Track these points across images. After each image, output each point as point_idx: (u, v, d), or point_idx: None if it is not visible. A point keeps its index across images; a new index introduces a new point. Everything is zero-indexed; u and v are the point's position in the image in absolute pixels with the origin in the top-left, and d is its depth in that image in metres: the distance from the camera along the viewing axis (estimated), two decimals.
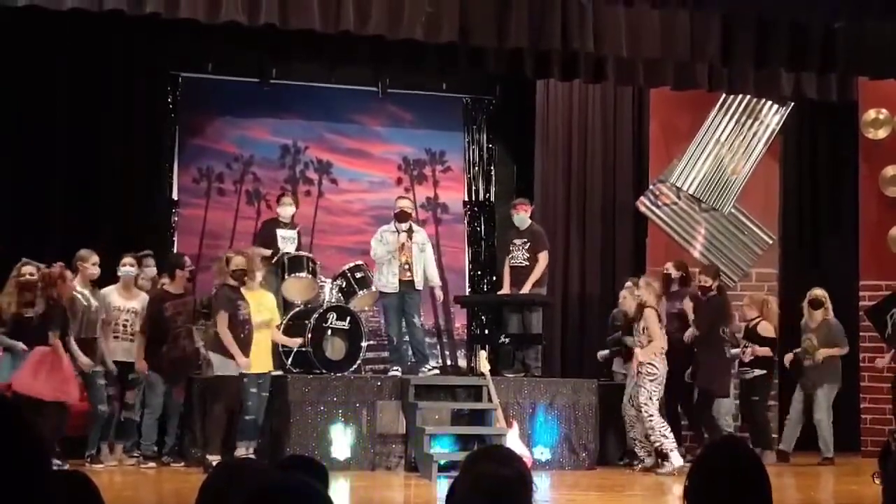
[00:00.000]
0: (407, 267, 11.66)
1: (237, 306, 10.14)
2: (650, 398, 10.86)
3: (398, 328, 11.75)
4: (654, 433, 10.86)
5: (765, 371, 12.03)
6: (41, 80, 12.49)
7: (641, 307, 11.00)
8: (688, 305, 11.67)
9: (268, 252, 11.53)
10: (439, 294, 12.41)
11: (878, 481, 3.27)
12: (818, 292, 12.20)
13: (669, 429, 10.93)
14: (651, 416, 10.84)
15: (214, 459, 9.50)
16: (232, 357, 10.11)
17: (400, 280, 11.63)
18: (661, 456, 10.92)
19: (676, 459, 10.78)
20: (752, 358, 11.94)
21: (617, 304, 12.04)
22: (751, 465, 2.79)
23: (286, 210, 12.08)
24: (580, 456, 11.34)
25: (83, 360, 10.11)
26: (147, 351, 10.84)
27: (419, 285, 11.74)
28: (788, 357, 12.26)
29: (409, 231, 11.76)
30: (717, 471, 2.76)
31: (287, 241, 11.86)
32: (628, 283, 11.60)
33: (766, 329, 12.12)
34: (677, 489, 2.62)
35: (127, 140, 13.10)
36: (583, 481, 10.50)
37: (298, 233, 12.16)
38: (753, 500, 2.74)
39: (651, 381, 10.89)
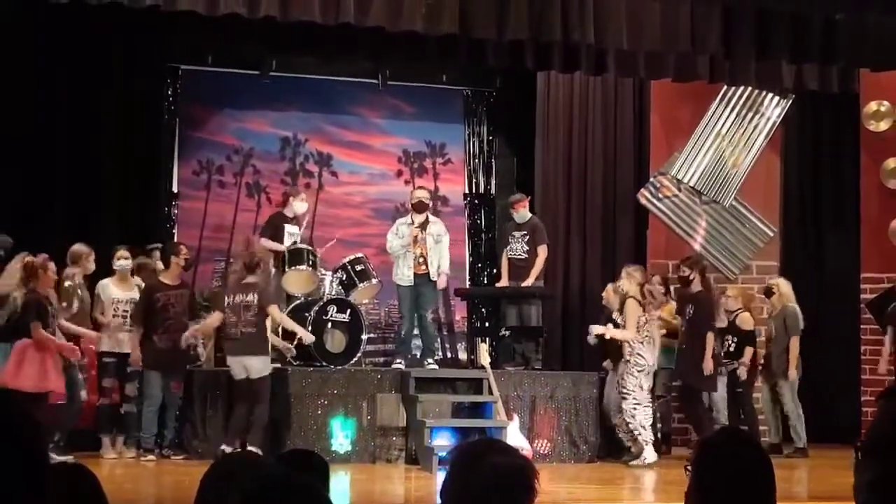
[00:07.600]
0: (422, 259, 11.62)
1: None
2: (640, 386, 10.83)
3: (410, 322, 11.74)
4: (633, 422, 10.83)
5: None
6: (41, 73, 12.45)
7: (624, 298, 10.98)
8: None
9: (281, 247, 11.51)
10: (443, 281, 11.98)
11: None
12: (770, 281, 12.21)
13: (651, 420, 10.90)
14: (637, 404, 10.79)
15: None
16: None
17: (414, 273, 11.61)
18: (637, 447, 10.90)
19: (650, 454, 10.77)
20: (733, 349, 11.90)
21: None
22: (755, 455, 2.77)
23: (301, 206, 11.99)
24: (580, 449, 11.33)
25: (68, 346, 10.07)
26: (142, 342, 10.78)
27: (434, 276, 11.70)
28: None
29: (425, 223, 11.70)
30: (721, 461, 2.75)
31: (292, 236, 11.83)
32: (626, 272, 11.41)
33: (746, 321, 12.05)
34: (679, 481, 2.57)
35: (127, 133, 13.09)
36: (583, 474, 10.49)
37: (303, 228, 12.13)
38: (758, 491, 2.72)
39: (640, 371, 10.85)
